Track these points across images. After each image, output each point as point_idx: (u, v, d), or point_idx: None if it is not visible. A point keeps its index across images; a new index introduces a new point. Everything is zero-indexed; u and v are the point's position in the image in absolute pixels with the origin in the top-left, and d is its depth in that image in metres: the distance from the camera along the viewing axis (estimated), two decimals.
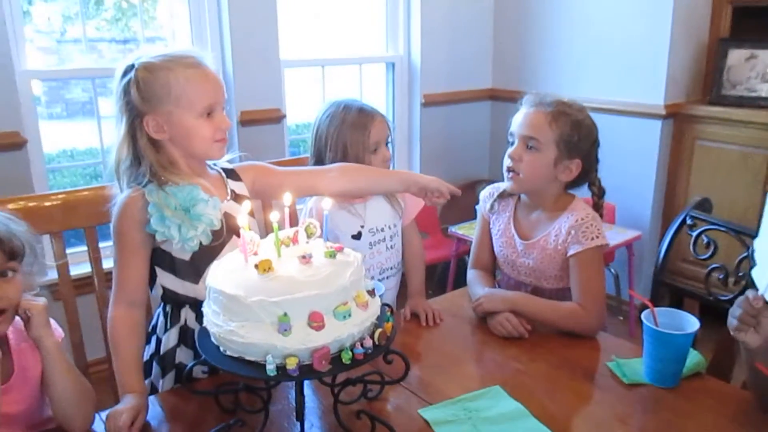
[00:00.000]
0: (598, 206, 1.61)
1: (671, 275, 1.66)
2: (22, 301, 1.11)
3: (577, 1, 3.28)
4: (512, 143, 1.56)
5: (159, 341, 1.37)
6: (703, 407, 1.22)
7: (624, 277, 3.14)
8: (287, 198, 1.12)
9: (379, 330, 1.03)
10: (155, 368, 1.37)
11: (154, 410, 1.23)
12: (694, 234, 1.57)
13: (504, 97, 3.70)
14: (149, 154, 1.27)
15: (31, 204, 1.50)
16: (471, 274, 1.71)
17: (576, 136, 1.51)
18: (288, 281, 0.98)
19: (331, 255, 1.04)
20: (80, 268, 1.96)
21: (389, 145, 1.67)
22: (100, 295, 1.57)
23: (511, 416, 1.19)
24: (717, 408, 1.22)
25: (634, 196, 3.15)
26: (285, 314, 0.95)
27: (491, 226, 1.70)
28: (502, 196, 1.68)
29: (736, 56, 2.95)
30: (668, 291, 1.63)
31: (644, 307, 1.30)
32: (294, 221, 1.14)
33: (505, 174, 1.58)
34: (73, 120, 3.75)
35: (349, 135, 1.58)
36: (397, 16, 3.50)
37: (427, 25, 3.47)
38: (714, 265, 1.51)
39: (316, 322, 0.96)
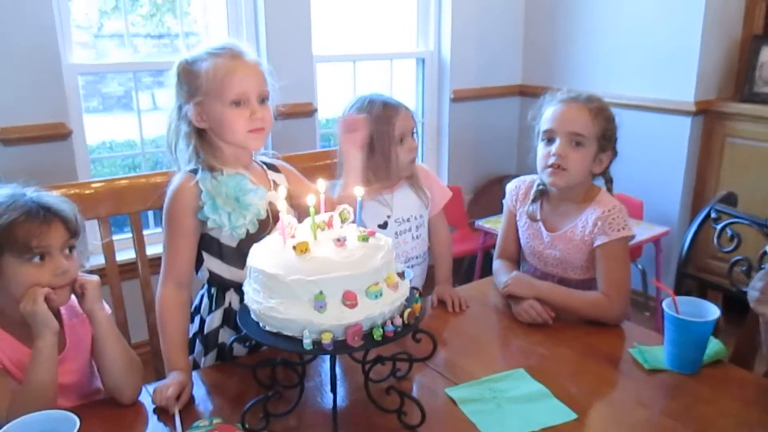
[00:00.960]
0: (609, 192, 1.65)
1: (697, 271, 1.68)
2: (78, 277, 1.20)
3: None
4: (549, 140, 1.58)
5: (203, 321, 1.45)
6: (723, 393, 1.26)
7: (651, 272, 3.15)
8: (321, 185, 1.19)
9: (408, 310, 1.08)
10: (198, 346, 1.45)
11: (197, 384, 1.30)
12: (719, 227, 1.60)
13: (533, 93, 3.67)
14: (195, 140, 1.36)
15: (75, 191, 1.60)
16: (497, 263, 1.76)
17: (611, 130, 1.56)
18: (324, 262, 1.04)
19: (364, 239, 1.10)
20: (124, 254, 2.05)
21: (415, 136, 1.70)
22: (143, 280, 1.66)
23: (534, 397, 1.24)
24: (737, 394, 1.25)
25: (663, 192, 3.16)
26: (321, 292, 1.01)
27: (518, 219, 1.74)
28: (536, 199, 1.68)
29: None
30: (692, 283, 1.65)
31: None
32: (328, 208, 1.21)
33: (545, 170, 1.59)
34: (110, 113, 3.87)
35: (374, 128, 1.63)
36: (428, 12, 3.54)
37: (458, 21, 3.51)
38: (737, 257, 1.53)
39: (349, 300, 1.02)
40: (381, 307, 1.04)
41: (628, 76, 3.24)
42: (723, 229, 1.59)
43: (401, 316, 1.08)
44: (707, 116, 3.03)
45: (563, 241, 1.63)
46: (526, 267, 1.75)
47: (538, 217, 1.67)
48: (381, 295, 1.05)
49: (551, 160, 1.56)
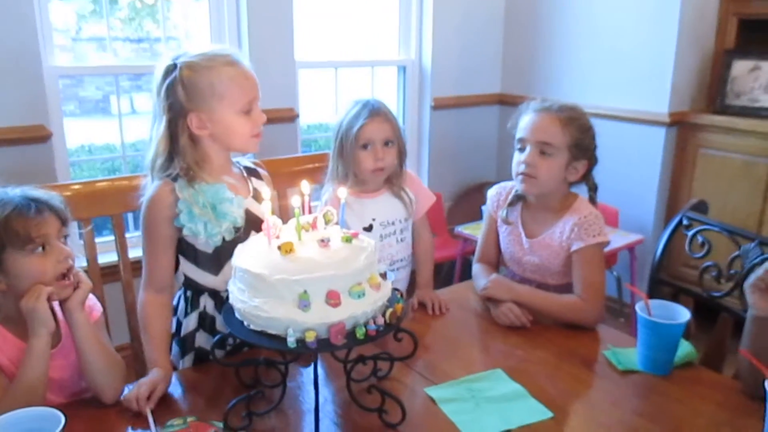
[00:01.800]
0: (593, 200, 1.69)
1: (670, 278, 1.73)
2: (78, 272, 1.21)
3: (586, 9, 3.37)
4: (522, 149, 1.62)
5: (179, 324, 1.46)
6: (693, 393, 1.30)
7: (626, 279, 3.21)
8: (305, 186, 1.20)
9: (390, 310, 1.11)
10: (174, 348, 1.46)
11: (175, 385, 1.31)
12: (690, 234, 1.65)
13: (512, 102, 3.75)
14: (188, 151, 1.34)
15: (55, 192, 1.60)
16: (476, 267, 1.79)
17: (585, 139, 1.59)
18: (308, 262, 1.06)
19: (348, 240, 1.13)
20: (106, 257, 2.05)
21: (389, 146, 1.68)
22: (125, 282, 1.66)
23: (511, 396, 1.27)
24: (707, 394, 1.29)
25: (637, 201, 3.23)
26: (305, 292, 1.03)
27: (499, 226, 1.78)
28: (512, 204, 1.73)
29: (740, 67, 3.02)
30: (665, 289, 1.70)
31: None
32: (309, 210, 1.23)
33: (517, 177, 1.63)
34: (88, 117, 3.84)
35: (344, 127, 1.66)
36: (409, 21, 3.59)
37: (439, 30, 3.56)
38: (708, 263, 1.58)
39: (333, 300, 1.04)
40: (364, 306, 1.07)
41: (604, 88, 3.32)
42: (694, 235, 1.64)
43: (383, 315, 1.10)
44: (681, 127, 3.11)
45: (542, 247, 1.66)
46: (506, 272, 1.79)
47: (511, 220, 1.71)
48: (364, 295, 1.07)
49: (521, 168, 1.61)
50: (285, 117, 3.15)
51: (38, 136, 2.51)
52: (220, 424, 1.13)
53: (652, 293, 1.70)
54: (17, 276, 1.17)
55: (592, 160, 1.64)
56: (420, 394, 1.28)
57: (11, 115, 2.44)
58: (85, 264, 1.61)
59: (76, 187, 1.65)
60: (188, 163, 1.35)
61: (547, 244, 1.65)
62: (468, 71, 3.75)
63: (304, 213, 1.17)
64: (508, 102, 3.86)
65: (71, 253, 1.21)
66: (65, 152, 2.68)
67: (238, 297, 1.09)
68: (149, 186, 1.39)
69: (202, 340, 1.44)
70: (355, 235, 1.15)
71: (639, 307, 1.35)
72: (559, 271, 1.66)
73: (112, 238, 1.71)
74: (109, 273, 1.78)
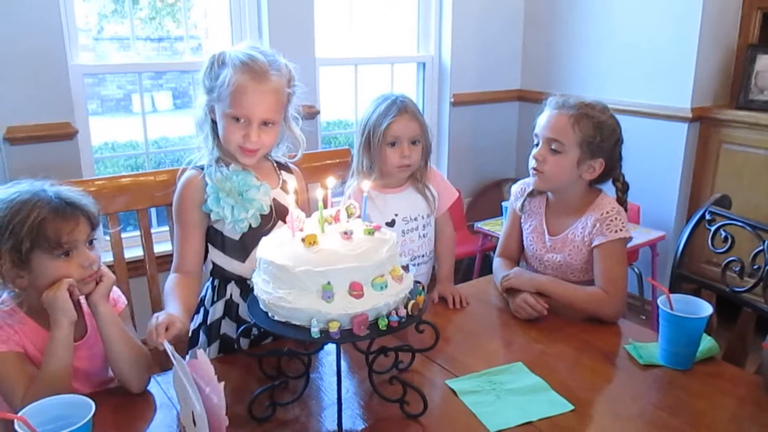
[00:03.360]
0: (622, 201, 1.68)
1: (693, 275, 1.72)
2: (100, 266, 1.24)
3: (607, 4, 3.35)
4: (537, 144, 1.64)
5: (206, 313, 1.48)
6: (714, 388, 1.29)
7: (647, 276, 3.19)
8: (330, 181, 1.22)
9: (412, 302, 1.12)
10: (202, 337, 1.49)
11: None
12: (713, 228, 1.64)
13: (532, 99, 3.76)
14: (213, 134, 1.42)
15: (81, 188, 1.63)
16: (497, 261, 1.80)
17: (598, 137, 1.58)
18: (331, 254, 1.08)
19: (370, 232, 1.14)
20: (131, 251, 2.08)
21: (416, 144, 1.70)
22: (150, 276, 1.69)
23: (532, 389, 1.27)
24: (728, 389, 1.29)
25: (659, 197, 3.20)
26: (328, 283, 1.05)
27: (523, 223, 1.78)
28: (532, 194, 1.75)
29: (764, 62, 2.98)
30: (686, 284, 1.69)
31: None
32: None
33: (531, 172, 1.66)
34: (110, 115, 3.91)
35: (372, 123, 1.68)
36: (429, 17, 3.59)
37: (458, 26, 3.56)
38: (730, 258, 1.57)
39: (356, 291, 1.06)
40: (386, 298, 1.08)
41: (625, 83, 3.30)
42: (717, 230, 1.63)
43: (405, 307, 1.12)
44: (703, 123, 3.08)
45: (564, 245, 1.66)
46: (527, 269, 1.79)
47: (520, 212, 1.75)
48: (386, 286, 1.09)
49: (531, 163, 1.63)
50: (306, 113, 3.15)
51: (64, 133, 2.56)
52: None
53: (674, 289, 1.70)
54: (40, 275, 1.19)
55: (612, 160, 1.63)
56: (441, 386, 1.29)
57: (38, 112, 2.48)
58: (111, 259, 1.65)
59: (101, 182, 1.69)
60: (218, 147, 1.42)
61: (569, 241, 1.66)
62: (487, 67, 3.75)
63: (326, 207, 1.18)
64: (527, 98, 3.85)
65: (96, 259, 1.23)
66: (90, 149, 2.73)
67: (263, 288, 1.11)
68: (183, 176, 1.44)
69: (228, 328, 1.47)
70: (378, 228, 1.17)
71: (661, 302, 1.35)
72: (580, 269, 1.66)
73: (137, 233, 1.75)
74: (133, 268, 1.81)
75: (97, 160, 2.93)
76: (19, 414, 0.96)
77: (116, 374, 1.27)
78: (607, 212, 1.60)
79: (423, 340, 1.24)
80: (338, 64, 3.43)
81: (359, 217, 1.21)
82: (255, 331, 1.38)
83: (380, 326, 1.07)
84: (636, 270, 3.20)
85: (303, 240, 1.09)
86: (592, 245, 1.61)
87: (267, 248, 1.14)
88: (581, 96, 1.66)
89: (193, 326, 1.48)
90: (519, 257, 1.81)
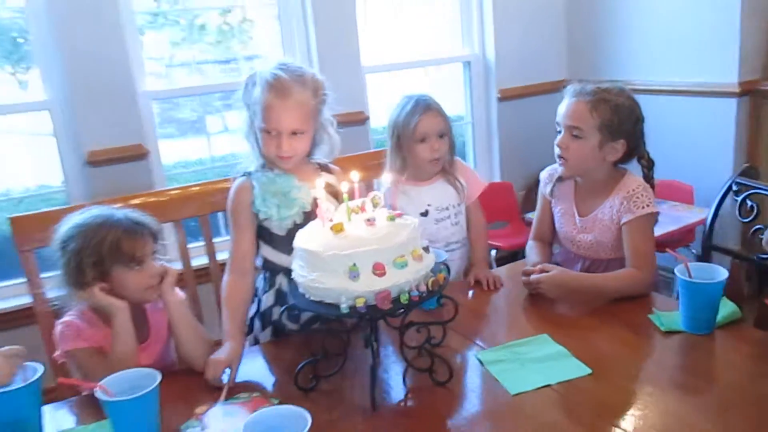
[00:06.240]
0: (648, 178, 1.74)
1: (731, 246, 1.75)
2: (164, 265, 1.45)
3: None
4: (560, 132, 1.73)
5: (260, 302, 1.66)
6: (734, 350, 1.36)
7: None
8: (355, 175, 1.37)
9: (432, 278, 1.25)
10: (257, 323, 1.66)
11: (257, 357, 1.52)
12: (739, 199, 1.67)
13: None
14: (257, 144, 1.59)
15: (151, 199, 1.91)
16: (530, 244, 1.89)
17: (617, 119, 1.65)
18: (356, 239, 1.22)
19: (392, 219, 1.28)
20: (197, 260, 2.28)
21: (444, 138, 1.84)
22: (215, 280, 1.88)
23: (554, 357, 1.37)
24: (747, 351, 1.35)
25: (712, 177, 3.15)
26: (354, 264, 1.19)
27: (553, 207, 1.87)
28: (561, 179, 1.83)
29: None
30: (718, 255, 1.73)
31: None
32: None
33: (557, 160, 1.75)
34: (184, 137, 4.19)
35: (402, 124, 1.81)
36: (471, 16, 3.68)
37: (500, 21, 3.63)
38: (758, 226, 1.61)
39: (378, 270, 1.20)
40: (407, 275, 1.21)
41: (670, 63, 3.27)
42: (743, 200, 1.66)
43: (426, 283, 1.24)
44: (753, 96, 3.03)
45: (594, 224, 1.74)
46: (559, 250, 1.88)
47: (550, 197, 1.84)
48: (406, 265, 1.22)
49: (556, 151, 1.71)
50: (355, 120, 3.33)
51: (137, 154, 2.83)
52: (276, 401, 1.30)
53: (706, 260, 1.74)
54: (119, 286, 1.41)
55: (634, 139, 1.69)
56: (470, 359, 1.41)
57: (114, 136, 2.76)
58: (180, 267, 1.85)
59: (172, 192, 1.96)
60: (265, 157, 1.60)
61: (598, 221, 1.73)
62: (532, 60, 3.80)
63: (353, 198, 1.33)
64: None
65: (159, 270, 1.45)
66: (160, 167, 3.00)
67: (299, 272, 1.26)
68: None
69: (278, 313, 1.63)
70: (399, 215, 1.30)
71: (678, 270, 1.42)
72: (611, 246, 1.73)
73: (202, 243, 1.96)
74: (201, 275, 2.01)
75: (170, 177, 3.20)
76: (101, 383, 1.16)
77: (181, 354, 1.46)
78: (633, 190, 1.67)
79: (459, 319, 1.35)
80: (385, 70, 3.58)
81: (384, 206, 1.34)
82: (303, 317, 1.56)
83: (402, 300, 1.20)
84: (693, 251, 3.18)
85: (331, 228, 1.24)
86: (621, 223, 1.68)
87: (301, 238, 1.29)
88: (599, 81, 1.73)
89: (249, 315, 1.66)
90: (551, 239, 1.90)
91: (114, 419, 1.15)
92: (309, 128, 1.57)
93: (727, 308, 1.43)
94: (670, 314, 1.48)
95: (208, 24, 3.23)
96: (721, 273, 1.39)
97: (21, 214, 1.77)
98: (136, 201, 1.85)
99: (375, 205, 1.33)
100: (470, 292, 1.77)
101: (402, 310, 1.24)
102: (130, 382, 1.18)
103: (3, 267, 2.72)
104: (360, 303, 1.18)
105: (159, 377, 1.16)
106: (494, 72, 3.72)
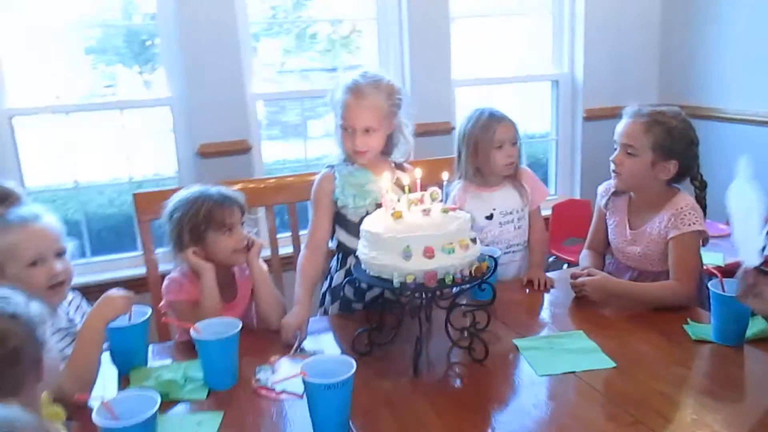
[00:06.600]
0: (700, 198, 1.83)
1: None
2: (251, 236, 1.72)
3: (748, 8, 3.30)
4: (616, 149, 1.86)
5: (331, 278, 1.90)
6: (761, 361, 1.43)
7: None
8: (418, 172, 1.58)
9: (476, 266, 1.43)
10: (328, 297, 1.91)
11: (325, 325, 1.78)
12: None
13: None
14: (340, 140, 1.83)
15: (250, 186, 2.19)
16: (584, 253, 2.03)
17: (669, 141, 1.77)
18: (411, 224, 1.43)
19: (445, 211, 1.47)
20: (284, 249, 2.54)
21: (516, 145, 2.03)
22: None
23: (584, 350, 1.51)
24: None
25: None
26: (408, 246, 1.39)
27: (608, 219, 1.99)
28: (616, 194, 1.96)
29: None
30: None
31: None
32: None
33: (611, 174, 1.88)
34: (286, 139, 4.54)
35: (478, 133, 2.00)
36: (562, 35, 3.79)
37: (590, 42, 3.71)
38: None
39: (428, 253, 1.39)
40: (452, 260, 1.40)
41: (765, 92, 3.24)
42: None
43: (470, 270, 1.43)
44: None
45: (643, 237, 1.85)
46: (611, 260, 1.99)
47: (604, 209, 1.97)
48: (453, 251, 1.41)
49: (612, 166, 1.83)
50: (442, 130, 3.54)
51: (241, 149, 3.16)
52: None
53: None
54: (212, 249, 1.68)
55: (686, 160, 1.79)
56: (508, 344, 1.57)
57: (223, 132, 3.11)
58: (269, 253, 2.12)
59: (269, 181, 2.28)
60: (345, 152, 1.84)
61: (647, 234, 1.84)
62: (621, 81, 3.83)
63: (415, 191, 1.54)
64: None
65: (246, 236, 1.71)
66: (261, 162, 3.32)
67: (362, 251, 1.49)
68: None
69: (347, 291, 1.87)
70: (453, 209, 1.49)
71: (711, 284, 1.52)
72: (657, 260, 1.83)
73: (288, 234, 2.22)
74: (285, 263, 2.27)
75: (268, 171, 3.53)
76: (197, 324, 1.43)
77: (260, 314, 1.72)
78: (681, 207, 1.77)
79: (506, 311, 1.52)
80: (474, 84, 3.76)
81: (441, 201, 1.54)
82: (368, 295, 1.78)
83: (446, 281, 1.40)
84: None
85: (392, 215, 1.45)
86: (668, 238, 1.78)
87: (367, 222, 1.51)
88: (656, 105, 1.85)
89: (322, 290, 1.90)
90: (605, 250, 2.02)
91: (202, 355, 1.42)
92: (381, 127, 1.79)
93: (759, 324, 1.51)
94: (702, 326, 1.58)
95: (318, 33, 3.53)
96: None
97: (142, 191, 2.11)
98: (237, 186, 2.14)
99: (433, 199, 1.53)
100: (527, 291, 1.93)
101: (447, 290, 1.43)
102: (216, 328, 1.44)
103: (124, 241, 3.14)
104: (410, 279, 1.39)
105: (240, 325, 1.42)
106: (581, 91, 3.81)
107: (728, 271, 2.12)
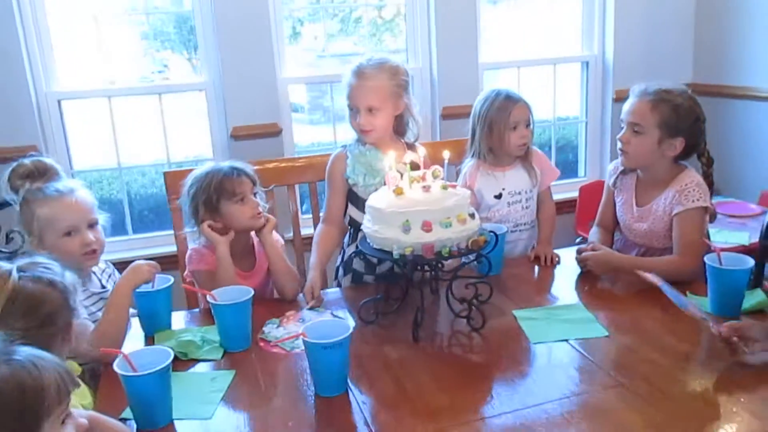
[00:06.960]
0: (707, 175, 1.85)
1: None
2: (265, 214, 1.83)
3: None
4: (623, 128, 1.89)
5: (344, 253, 2.01)
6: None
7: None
8: (422, 150, 1.65)
9: (472, 239, 1.50)
10: (340, 271, 2.01)
11: (337, 296, 1.87)
12: None
13: (706, 92, 3.70)
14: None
15: (283, 165, 2.31)
16: (593, 230, 2.07)
17: (675, 118, 1.79)
18: (411, 200, 1.51)
19: (444, 188, 1.55)
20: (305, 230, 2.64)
21: (530, 126, 2.08)
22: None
23: (580, 320, 1.57)
24: None
25: None
26: (407, 220, 1.48)
27: (616, 197, 2.03)
28: (624, 172, 1.99)
29: None
30: None
31: None
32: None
33: (618, 153, 1.92)
34: (327, 124, 4.65)
35: (494, 114, 2.05)
36: (592, 16, 3.76)
37: (621, 22, 3.67)
38: None
39: (426, 227, 1.47)
40: (449, 234, 1.48)
41: None
42: None
43: (467, 243, 1.50)
44: None
45: (649, 214, 1.88)
46: (618, 237, 2.03)
47: (613, 188, 2.00)
48: (450, 225, 1.48)
49: (618, 144, 1.87)
50: (468, 113, 3.55)
51: (272, 132, 3.28)
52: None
53: (764, 257, 1.82)
54: (227, 217, 1.79)
55: (693, 138, 1.81)
56: (508, 314, 1.64)
57: (255, 115, 3.23)
58: (291, 235, 2.23)
59: (301, 161, 2.36)
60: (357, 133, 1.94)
61: (653, 211, 1.87)
62: (653, 62, 3.78)
63: (419, 169, 1.62)
64: (701, 92, 3.77)
65: (260, 204, 1.82)
66: (292, 144, 3.44)
67: (366, 224, 1.58)
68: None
69: (358, 265, 1.98)
70: (453, 186, 1.57)
71: (708, 258, 1.55)
72: (663, 236, 1.87)
73: (309, 215, 2.33)
74: (306, 243, 2.37)
75: (299, 153, 3.65)
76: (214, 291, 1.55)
77: (276, 286, 1.84)
78: (686, 184, 1.80)
79: (511, 285, 1.61)
80: (502, 68, 3.78)
81: (443, 179, 1.61)
82: (378, 269, 1.88)
83: (443, 253, 1.48)
84: None
85: (394, 191, 1.54)
86: (672, 214, 1.81)
87: (372, 198, 1.60)
88: (663, 84, 1.86)
89: (336, 264, 2.01)
90: (614, 227, 2.06)
91: (218, 319, 1.54)
92: (385, 107, 1.87)
93: (756, 296, 1.54)
94: (701, 298, 1.61)
95: (362, 17, 3.58)
96: (748, 262, 1.50)
97: (171, 170, 2.25)
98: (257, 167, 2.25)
99: (435, 177, 1.61)
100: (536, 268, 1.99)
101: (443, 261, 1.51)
102: (232, 294, 1.56)
103: (162, 220, 3.31)
104: (408, 251, 1.47)
105: (252, 292, 1.53)
106: (611, 73, 3.78)
107: (750, 250, 2.15)
